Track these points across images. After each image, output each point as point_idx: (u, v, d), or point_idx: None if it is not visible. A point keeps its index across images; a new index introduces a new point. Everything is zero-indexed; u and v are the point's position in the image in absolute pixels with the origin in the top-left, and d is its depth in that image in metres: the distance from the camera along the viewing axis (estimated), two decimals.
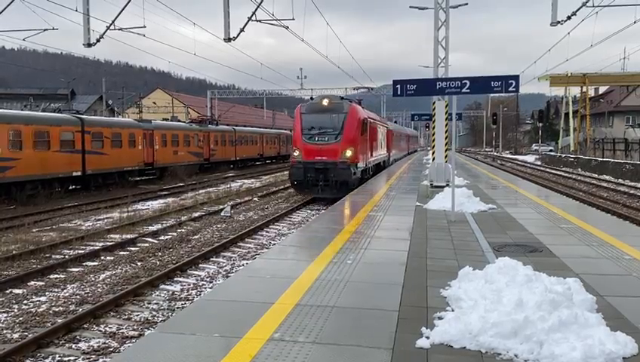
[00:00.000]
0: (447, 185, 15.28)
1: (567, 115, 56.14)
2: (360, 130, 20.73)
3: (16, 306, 8.58)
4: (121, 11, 19.06)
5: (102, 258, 11.96)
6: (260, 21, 18.49)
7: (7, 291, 9.40)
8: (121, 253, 12.50)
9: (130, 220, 16.67)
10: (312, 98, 21.96)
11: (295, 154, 20.48)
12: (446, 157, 17.97)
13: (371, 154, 24.08)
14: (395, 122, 64.75)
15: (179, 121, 42.72)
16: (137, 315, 8.13)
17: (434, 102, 18.47)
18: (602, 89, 71.85)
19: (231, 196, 23.91)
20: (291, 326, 4.82)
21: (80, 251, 12.59)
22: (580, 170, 40.10)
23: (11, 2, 17.85)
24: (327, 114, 20.52)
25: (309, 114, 20.73)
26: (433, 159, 18.70)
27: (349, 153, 19.87)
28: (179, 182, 31.50)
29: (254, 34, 63.56)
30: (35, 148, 22.07)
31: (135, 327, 7.59)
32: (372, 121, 24.71)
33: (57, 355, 6.67)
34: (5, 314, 8.19)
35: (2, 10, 18.53)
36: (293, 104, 56.80)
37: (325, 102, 20.80)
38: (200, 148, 38.83)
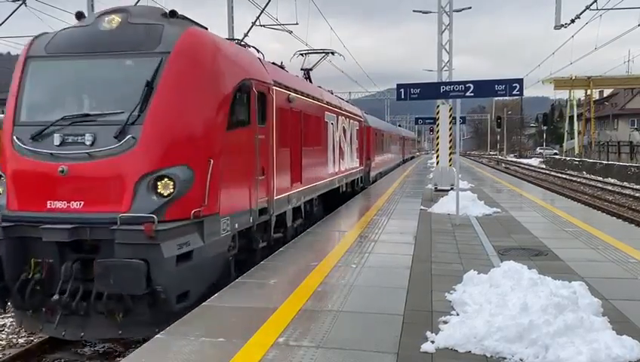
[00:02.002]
0: (452, 188, 15.27)
1: (571, 118, 56.10)
2: (226, 110, 6.78)
3: None
4: None
5: None
6: (263, 26, 18.46)
7: None
8: None
9: None
10: (79, 15, 7.21)
11: None
12: (450, 160, 17.96)
13: (297, 177, 10.22)
14: (399, 125, 64.50)
15: None
16: None
17: (438, 106, 18.46)
18: (607, 92, 71.79)
19: None
20: (296, 330, 4.82)
21: None
22: (584, 173, 39.99)
23: (17, 8, 17.96)
24: (105, 59, 6.57)
25: (52, 59, 6.76)
26: (437, 163, 18.67)
27: (167, 188, 6.02)
28: None
29: (259, 39, 63.75)
30: None
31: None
32: (300, 96, 10.61)
33: (63, 360, 6.68)
34: (11, 319, 8.21)
35: (8, 17, 18.65)
36: None
37: (106, 23, 6.68)
38: None
